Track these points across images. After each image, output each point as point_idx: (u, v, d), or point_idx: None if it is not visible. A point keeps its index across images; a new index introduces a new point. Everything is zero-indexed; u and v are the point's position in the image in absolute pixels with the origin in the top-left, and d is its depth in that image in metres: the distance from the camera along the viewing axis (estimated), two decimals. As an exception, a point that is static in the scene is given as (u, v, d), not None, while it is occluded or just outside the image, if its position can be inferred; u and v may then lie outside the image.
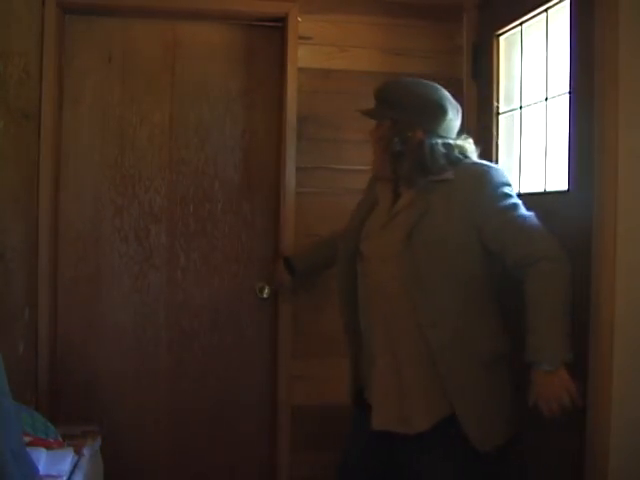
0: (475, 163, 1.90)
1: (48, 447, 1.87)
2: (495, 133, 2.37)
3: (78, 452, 1.96)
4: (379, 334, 1.90)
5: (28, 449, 1.43)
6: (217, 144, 2.62)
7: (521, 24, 2.24)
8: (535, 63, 2.19)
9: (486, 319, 1.88)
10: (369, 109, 1.97)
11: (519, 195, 2.22)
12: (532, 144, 2.23)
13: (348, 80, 2.55)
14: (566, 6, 1.95)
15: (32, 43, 2.29)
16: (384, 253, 1.88)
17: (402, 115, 1.86)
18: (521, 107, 2.27)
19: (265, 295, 2.59)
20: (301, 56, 2.51)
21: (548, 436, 1.95)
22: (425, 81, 1.94)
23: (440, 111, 1.86)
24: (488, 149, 2.39)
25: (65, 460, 1.85)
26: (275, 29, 2.60)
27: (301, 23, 2.51)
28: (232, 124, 2.63)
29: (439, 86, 1.93)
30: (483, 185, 1.81)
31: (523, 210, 1.82)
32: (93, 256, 2.55)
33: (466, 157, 1.90)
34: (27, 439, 1.76)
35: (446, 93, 1.92)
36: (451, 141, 1.87)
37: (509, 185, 1.87)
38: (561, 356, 1.67)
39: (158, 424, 2.59)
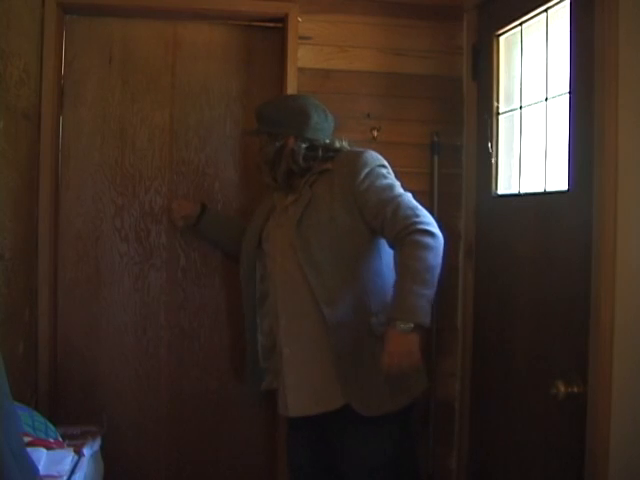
0: (351, 150, 2.13)
1: (48, 447, 1.86)
2: (495, 133, 2.37)
3: (78, 452, 1.96)
4: (283, 325, 2.06)
5: (28, 449, 1.42)
6: (217, 144, 2.63)
7: (521, 24, 2.24)
8: (535, 63, 2.19)
9: (377, 294, 2.00)
10: (247, 129, 2.34)
11: (518, 195, 2.25)
12: (532, 144, 2.23)
13: (348, 80, 2.55)
14: (566, 6, 1.95)
15: (32, 43, 2.29)
16: (282, 246, 2.08)
17: (273, 128, 2.12)
18: (521, 107, 2.27)
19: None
20: (301, 56, 2.51)
21: (548, 436, 1.95)
22: (293, 94, 2.26)
23: (304, 118, 2.10)
24: (488, 149, 2.39)
25: (65, 460, 1.84)
26: (275, 29, 2.61)
27: (301, 23, 2.51)
28: (232, 124, 2.63)
29: (307, 96, 2.22)
30: (358, 167, 2.00)
31: (399, 189, 2.00)
32: (93, 256, 2.55)
33: (338, 151, 2.11)
34: (27, 439, 1.76)
35: (312, 101, 2.16)
36: (319, 142, 2.10)
37: (384, 166, 2.06)
38: (417, 319, 1.80)
39: (158, 424, 2.60)
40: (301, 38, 2.52)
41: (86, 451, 2.01)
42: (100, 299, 2.56)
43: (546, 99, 2.08)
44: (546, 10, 2.07)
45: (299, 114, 2.11)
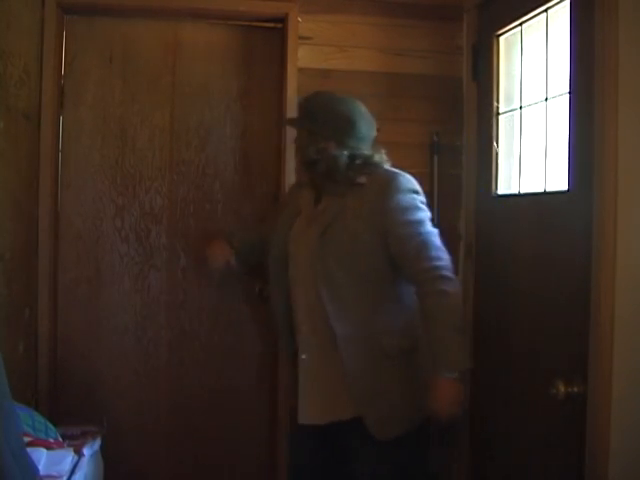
0: (387, 170, 2.05)
1: (48, 447, 1.86)
2: (495, 133, 2.37)
3: (78, 452, 1.96)
4: (303, 330, 2.05)
5: (28, 449, 1.42)
6: (217, 144, 2.63)
7: (521, 24, 2.23)
8: (535, 63, 2.19)
9: (391, 316, 1.99)
10: (291, 118, 2.20)
11: (518, 195, 2.25)
12: (532, 144, 2.23)
13: (348, 80, 2.55)
14: (566, 6, 1.95)
15: (32, 43, 2.29)
16: (305, 252, 2.03)
17: (316, 127, 2.03)
18: (521, 107, 2.26)
19: (265, 295, 2.59)
20: (301, 56, 2.52)
21: (548, 436, 1.95)
22: (343, 96, 2.10)
23: (350, 125, 2.02)
24: (488, 149, 2.39)
25: (65, 460, 1.85)
26: (275, 29, 2.61)
27: (301, 23, 2.51)
28: (232, 124, 2.64)
29: (357, 101, 2.08)
30: (392, 190, 1.96)
31: (428, 226, 1.97)
32: (93, 256, 2.55)
33: (377, 165, 2.04)
34: (27, 439, 1.76)
35: (361, 108, 2.07)
36: (360, 152, 2.02)
37: (417, 193, 2.01)
38: (462, 366, 1.87)
39: (158, 424, 2.60)
40: (301, 38, 2.52)
41: (86, 451, 2.01)
42: (100, 299, 2.56)
43: (546, 99, 2.08)
44: (546, 10, 2.07)
45: (346, 121, 2.02)
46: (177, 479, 2.62)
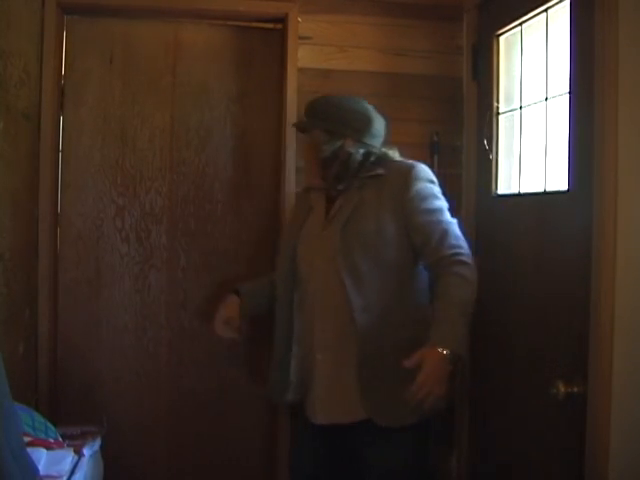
0: (403, 161, 2.09)
1: (48, 447, 1.86)
2: (495, 133, 2.37)
3: (78, 452, 1.96)
4: (319, 331, 2.03)
5: (28, 449, 1.42)
6: (217, 145, 2.63)
7: (521, 24, 2.23)
8: (535, 63, 2.19)
9: (409, 307, 2.00)
10: (300, 121, 2.17)
11: (518, 195, 2.25)
12: (532, 144, 2.23)
13: (348, 80, 2.55)
14: (566, 6, 1.95)
15: (32, 43, 2.29)
16: (326, 251, 2.01)
17: (331, 125, 2.03)
18: (521, 107, 2.26)
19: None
20: (301, 56, 2.52)
21: (548, 436, 1.95)
22: (353, 97, 2.12)
23: (367, 122, 2.04)
24: (488, 149, 2.39)
25: (65, 460, 1.85)
26: (275, 29, 2.61)
27: (301, 23, 2.52)
28: (232, 125, 2.64)
29: (365, 100, 2.11)
30: (410, 179, 1.98)
31: (448, 215, 2.00)
32: (94, 256, 2.55)
33: (391, 161, 2.07)
34: (27, 439, 1.76)
35: (371, 106, 2.09)
36: (374, 149, 2.05)
37: (434, 182, 2.04)
38: (459, 349, 1.81)
39: (158, 424, 2.60)
40: (301, 38, 2.52)
41: (86, 451, 2.01)
42: (100, 299, 2.56)
43: (546, 99, 2.08)
44: (546, 10, 2.07)
45: (362, 116, 2.05)
46: (177, 479, 2.62)
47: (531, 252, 2.09)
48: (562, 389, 1.76)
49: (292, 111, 2.50)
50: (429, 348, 1.79)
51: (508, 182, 2.35)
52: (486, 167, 2.41)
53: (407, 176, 1.99)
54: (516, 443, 2.13)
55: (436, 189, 2.03)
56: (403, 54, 2.58)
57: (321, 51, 2.54)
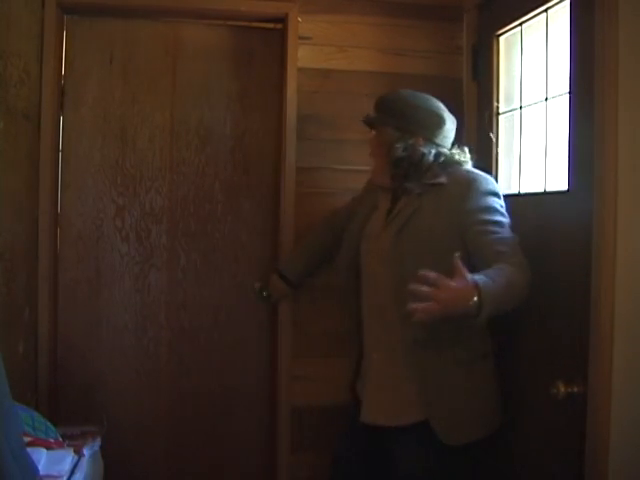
0: (468, 170, 2.01)
1: (48, 447, 1.86)
2: (495, 133, 2.37)
3: (78, 452, 1.96)
4: (375, 329, 2.02)
5: (28, 449, 1.42)
6: (217, 145, 2.63)
7: (521, 24, 2.23)
8: (535, 63, 2.19)
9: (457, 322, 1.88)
10: (371, 117, 2.07)
11: (518, 195, 2.24)
12: (532, 144, 2.23)
13: (348, 80, 2.55)
14: (566, 6, 1.95)
15: (32, 43, 2.29)
16: (381, 251, 1.99)
17: (404, 123, 1.97)
18: (521, 107, 2.26)
19: (265, 295, 2.59)
20: (301, 56, 2.51)
21: (548, 436, 1.95)
22: (424, 94, 2.05)
23: (439, 121, 1.99)
24: (488, 149, 2.39)
25: (65, 460, 1.84)
26: (275, 29, 2.61)
27: (301, 23, 2.51)
28: (232, 124, 2.64)
29: (436, 98, 2.05)
30: (471, 193, 1.90)
31: (508, 230, 1.87)
32: (94, 256, 2.55)
33: (459, 164, 2.01)
34: (27, 439, 1.76)
35: (442, 105, 2.04)
36: (444, 150, 2.00)
37: (497, 195, 1.95)
38: (488, 305, 1.60)
39: (158, 424, 2.60)
40: (301, 38, 2.51)
41: (86, 451, 2.01)
42: (100, 299, 2.56)
43: (546, 99, 2.08)
44: (546, 10, 2.07)
45: (435, 116, 2.00)
46: (177, 479, 2.62)
47: (531, 252, 2.09)
48: (562, 389, 1.75)
49: (292, 111, 2.50)
50: (471, 282, 1.61)
51: (508, 182, 2.35)
52: (486, 167, 2.40)
53: (467, 188, 1.91)
54: (516, 443, 2.13)
55: (498, 203, 1.93)
56: (403, 54, 2.58)
57: (321, 51, 2.54)
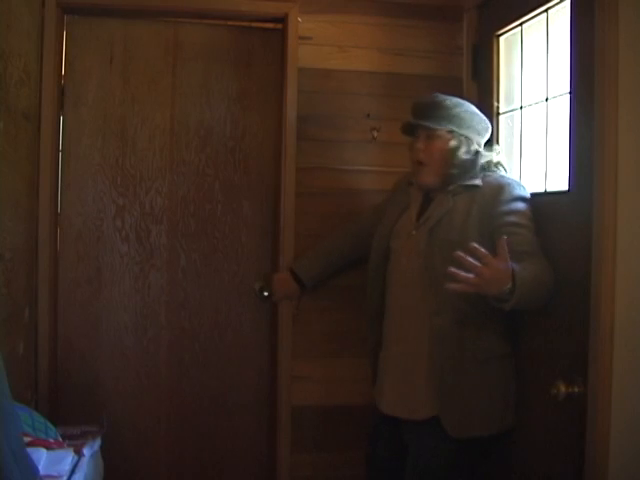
0: (503, 175, 2.08)
1: (48, 447, 1.86)
2: (495, 133, 2.37)
3: (78, 452, 1.96)
4: (396, 323, 2.08)
5: (28, 449, 1.42)
6: (217, 145, 2.63)
7: (521, 24, 2.23)
8: (535, 63, 2.19)
9: (486, 319, 1.98)
10: (424, 123, 2.03)
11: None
12: (532, 144, 2.23)
13: (348, 80, 2.55)
14: (566, 6, 1.95)
15: (32, 43, 2.29)
16: (409, 249, 2.05)
17: (464, 129, 2.03)
18: (521, 107, 2.26)
19: (265, 295, 2.59)
20: (301, 56, 2.51)
21: (548, 436, 1.95)
22: (456, 97, 2.10)
23: (487, 127, 2.09)
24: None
25: (65, 460, 1.84)
26: (275, 29, 2.61)
27: (301, 23, 2.51)
28: (232, 125, 2.64)
29: None
30: (503, 195, 1.97)
31: (532, 234, 1.94)
32: (94, 256, 2.55)
33: (497, 168, 2.10)
34: (27, 439, 1.75)
35: None
36: (488, 153, 2.08)
37: (527, 201, 2.00)
38: (518, 282, 1.71)
39: (158, 424, 2.60)
40: (301, 38, 2.51)
41: (86, 451, 2.00)
42: (100, 299, 2.56)
43: (546, 99, 2.08)
44: (546, 10, 2.07)
45: (484, 121, 2.08)
46: (177, 479, 2.62)
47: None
48: (562, 389, 1.76)
49: (292, 111, 2.50)
50: (510, 267, 1.71)
51: (508, 182, 2.35)
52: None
53: (500, 192, 1.97)
54: (516, 443, 2.12)
55: (528, 208, 1.98)
56: (403, 54, 2.58)
57: (321, 51, 2.54)
